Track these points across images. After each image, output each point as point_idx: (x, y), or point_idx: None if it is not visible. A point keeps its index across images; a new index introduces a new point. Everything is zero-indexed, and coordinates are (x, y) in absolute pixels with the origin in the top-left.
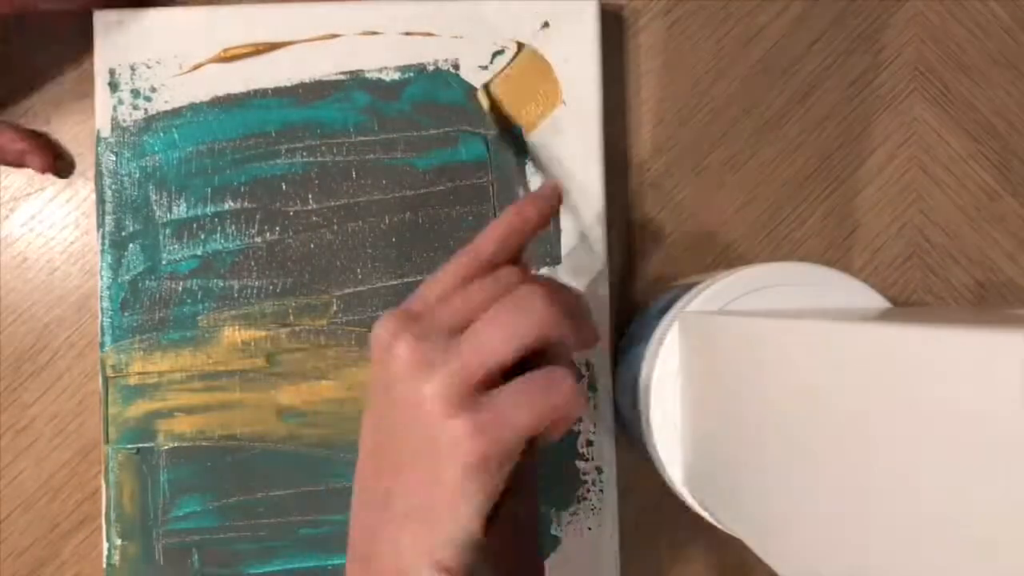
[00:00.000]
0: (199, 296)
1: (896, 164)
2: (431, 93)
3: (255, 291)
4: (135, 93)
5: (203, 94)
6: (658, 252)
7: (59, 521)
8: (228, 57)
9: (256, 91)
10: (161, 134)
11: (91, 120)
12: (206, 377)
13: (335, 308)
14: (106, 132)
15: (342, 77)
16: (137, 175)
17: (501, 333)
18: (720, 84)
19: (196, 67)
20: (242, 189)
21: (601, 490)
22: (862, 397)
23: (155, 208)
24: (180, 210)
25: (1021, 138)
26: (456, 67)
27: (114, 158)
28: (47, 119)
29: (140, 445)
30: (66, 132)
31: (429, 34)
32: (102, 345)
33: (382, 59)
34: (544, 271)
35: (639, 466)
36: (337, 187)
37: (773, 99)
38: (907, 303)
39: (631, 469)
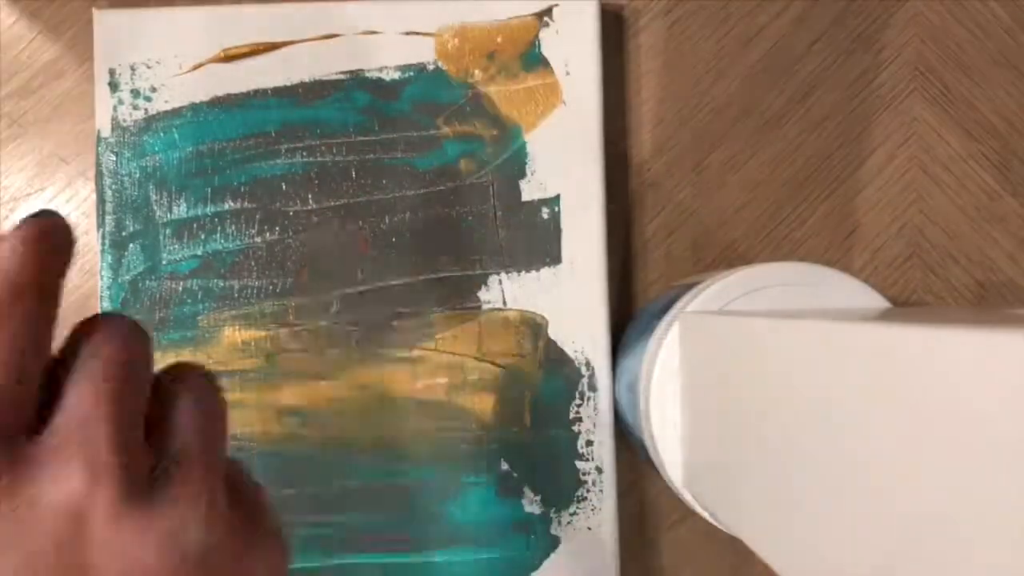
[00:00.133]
0: (199, 296)
1: (896, 164)
2: (431, 93)
3: (255, 291)
4: (135, 93)
5: (203, 94)
6: (658, 252)
7: None
8: (228, 57)
9: (256, 91)
10: (161, 134)
11: (91, 120)
12: None
13: (335, 308)
14: (106, 132)
15: (342, 77)
16: (137, 175)
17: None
18: (720, 84)
19: (196, 67)
20: (242, 189)
21: (601, 490)
22: (862, 397)
23: (155, 208)
24: (180, 210)
25: (1021, 138)
26: None
27: (114, 158)
28: (47, 119)
29: None
30: (66, 132)
31: (429, 34)
32: None
33: (382, 59)
34: (544, 271)
35: (639, 466)
36: (337, 187)
37: (773, 99)
38: (907, 303)
39: (631, 469)
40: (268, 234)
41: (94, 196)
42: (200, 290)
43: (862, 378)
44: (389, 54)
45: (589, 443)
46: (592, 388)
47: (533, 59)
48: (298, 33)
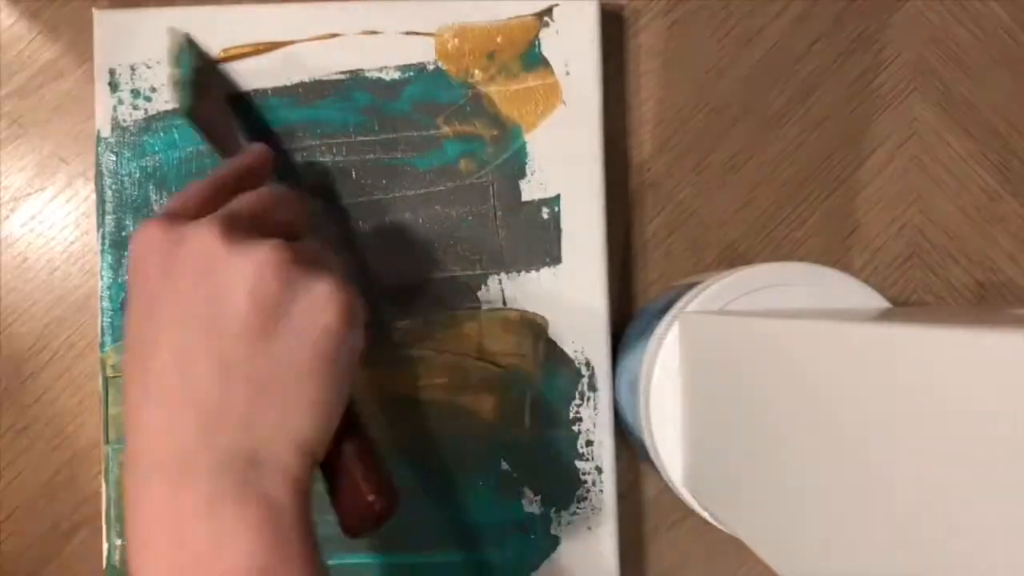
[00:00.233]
0: None
1: (896, 164)
2: (431, 93)
3: None
4: (135, 93)
5: None
6: (658, 252)
7: (59, 521)
8: (228, 57)
9: (256, 91)
10: (161, 134)
11: (91, 120)
12: None
13: None
14: (106, 132)
15: (342, 77)
16: (137, 175)
17: (296, 210)
18: (720, 84)
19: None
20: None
21: (601, 490)
22: (862, 397)
23: (155, 208)
24: None
25: (1021, 138)
26: None
27: (114, 158)
28: (47, 119)
29: None
30: (66, 132)
31: (429, 34)
32: (102, 345)
33: (382, 59)
34: (544, 271)
35: (639, 466)
36: (337, 187)
37: (773, 99)
38: (907, 303)
39: (631, 469)
40: None
41: (94, 196)
42: None
43: (862, 378)
44: (389, 54)
45: (589, 443)
46: (592, 388)
47: (533, 59)
48: (298, 33)
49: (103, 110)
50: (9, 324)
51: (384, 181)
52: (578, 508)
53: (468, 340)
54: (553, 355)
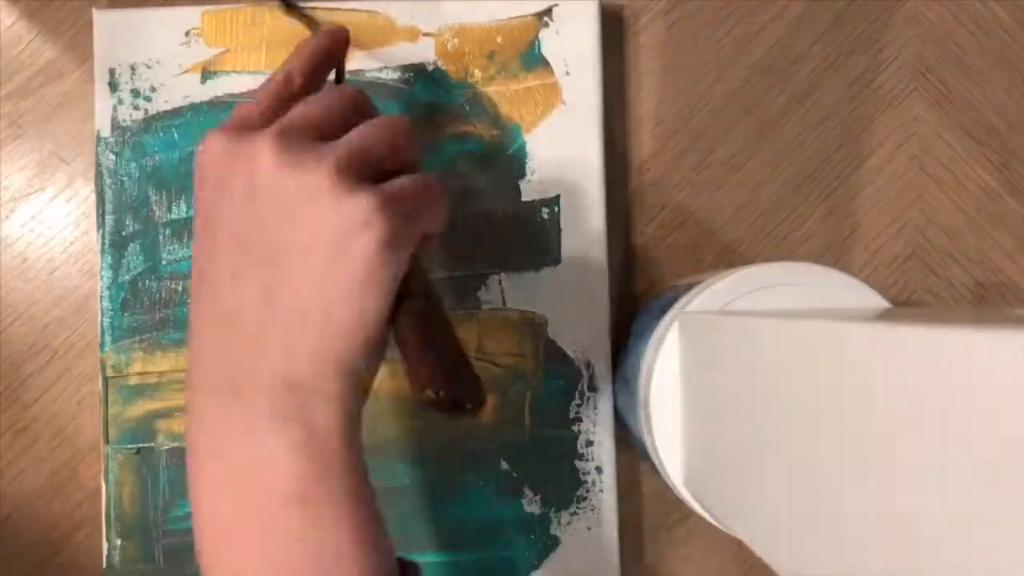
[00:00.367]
0: None
1: (896, 164)
2: (431, 93)
3: None
4: (135, 93)
5: (203, 94)
6: (658, 252)
7: (59, 521)
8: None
9: (256, 91)
10: (161, 134)
11: (91, 120)
12: None
13: None
14: (106, 132)
15: None
16: (137, 175)
17: (378, 133)
18: (720, 84)
19: (196, 67)
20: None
21: (601, 490)
22: (862, 397)
23: (155, 208)
24: (180, 210)
25: (1021, 138)
26: None
27: (114, 158)
28: (47, 119)
29: (140, 445)
30: (66, 132)
31: (429, 34)
32: (102, 345)
33: (382, 59)
34: (544, 271)
35: (639, 466)
36: None
37: (773, 99)
38: (907, 303)
39: (631, 469)
40: None
41: (94, 196)
42: None
43: (861, 378)
44: (389, 54)
45: (589, 443)
46: (592, 388)
47: (533, 59)
48: (298, 33)
49: (103, 110)
50: (9, 324)
51: None
52: (578, 508)
53: (468, 340)
54: (553, 355)
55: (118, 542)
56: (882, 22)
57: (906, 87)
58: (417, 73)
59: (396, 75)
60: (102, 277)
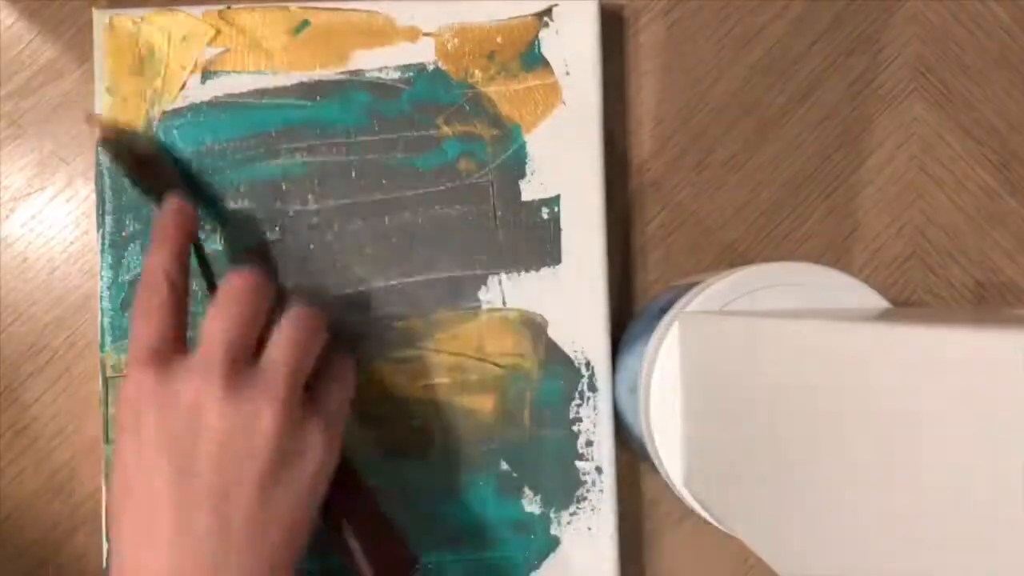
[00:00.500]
0: (199, 296)
1: (896, 164)
2: (431, 93)
3: None
4: None
5: (203, 94)
6: (658, 252)
7: (59, 521)
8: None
9: (256, 91)
10: (161, 134)
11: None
12: None
13: (335, 308)
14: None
15: (342, 77)
16: None
17: (306, 345)
18: (720, 84)
19: (196, 67)
20: (242, 189)
21: (601, 490)
22: (862, 397)
23: (155, 208)
24: None
25: (1021, 138)
26: None
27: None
28: (47, 119)
29: None
30: (66, 132)
31: (429, 34)
32: (102, 345)
33: (382, 59)
34: (544, 271)
35: (639, 466)
36: (337, 187)
37: (773, 99)
38: (907, 303)
39: (631, 469)
40: (268, 234)
41: (94, 196)
42: (200, 290)
43: (861, 378)
44: (389, 54)
45: (589, 443)
46: (592, 388)
47: (533, 59)
48: (298, 34)
49: (103, 110)
50: (9, 324)
51: (384, 181)
52: (578, 508)
53: (468, 340)
54: (553, 355)
55: None
56: (882, 22)
57: (906, 87)
58: (417, 73)
59: (396, 75)
60: (102, 277)
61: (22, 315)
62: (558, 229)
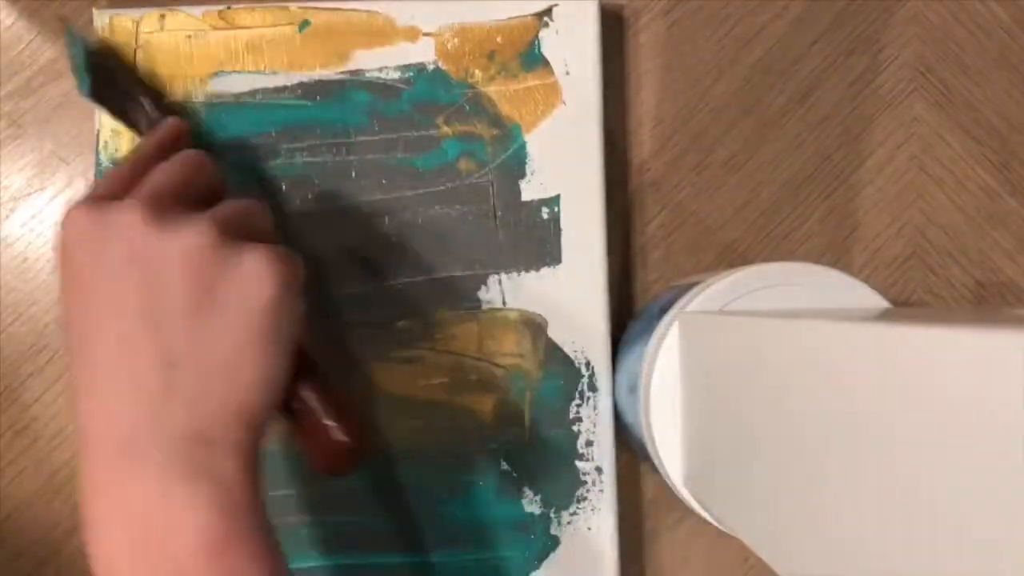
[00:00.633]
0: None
1: (896, 164)
2: (431, 93)
3: None
4: None
5: (203, 94)
6: (658, 252)
7: (59, 521)
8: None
9: (256, 91)
10: None
11: (91, 120)
12: None
13: (335, 308)
14: (106, 132)
15: (342, 77)
16: None
17: (179, 165)
18: (720, 84)
19: (196, 67)
20: (242, 189)
21: (601, 490)
22: (862, 397)
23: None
24: None
25: (1021, 138)
26: None
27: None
28: (47, 119)
29: None
30: (66, 132)
31: (429, 34)
32: None
33: (382, 59)
34: (544, 271)
35: (639, 466)
36: (337, 187)
37: (773, 99)
38: (907, 303)
39: (631, 469)
40: None
41: None
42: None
43: (861, 378)
44: (389, 54)
45: (589, 443)
46: (592, 388)
47: (533, 59)
48: (298, 35)
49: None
50: (9, 324)
51: (384, 181)
52: (578, 508)
53: (468, 340)
54: (553, 355)
55: None
56: (882, 22)
57: (906, 87)
58: (417, 73)
59: (396, 75)
60: None
61: (22, 315)
62: (558, 229)
